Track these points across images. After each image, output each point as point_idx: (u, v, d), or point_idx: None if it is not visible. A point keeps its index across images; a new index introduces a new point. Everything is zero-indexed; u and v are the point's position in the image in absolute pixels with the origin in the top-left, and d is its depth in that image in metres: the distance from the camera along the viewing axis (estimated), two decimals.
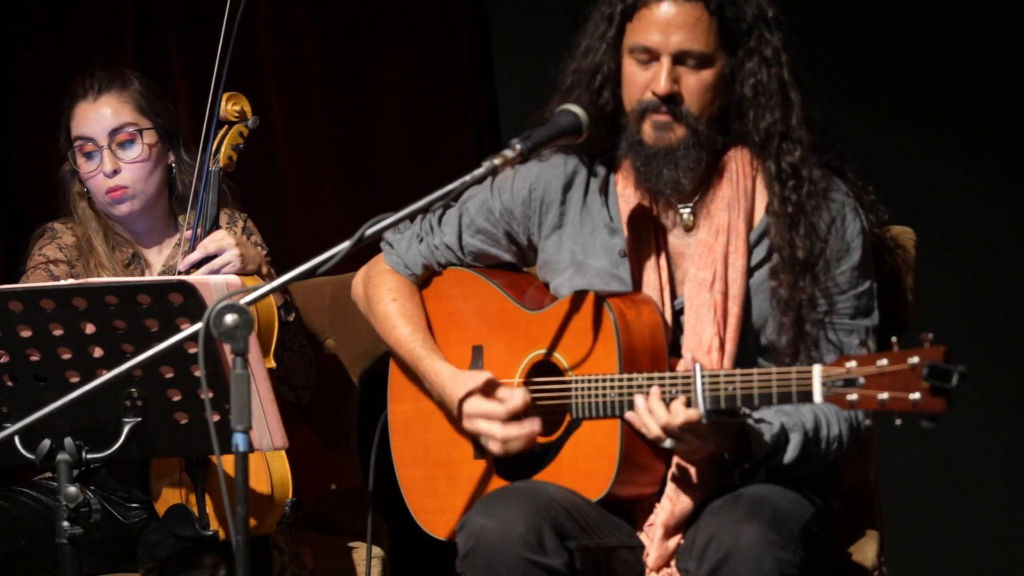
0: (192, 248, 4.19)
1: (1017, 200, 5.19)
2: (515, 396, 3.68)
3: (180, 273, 4.15)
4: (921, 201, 4.93)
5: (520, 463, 3.74)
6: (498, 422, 3.68)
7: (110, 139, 4.33)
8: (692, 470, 3.63)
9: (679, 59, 3.59)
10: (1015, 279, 5.21)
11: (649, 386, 3.53)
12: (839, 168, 3.73)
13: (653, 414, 3.49)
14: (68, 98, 4.41)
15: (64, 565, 3.37)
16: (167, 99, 4.51)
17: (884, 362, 3.24)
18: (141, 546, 4.22)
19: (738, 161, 3.70)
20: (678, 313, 3.70)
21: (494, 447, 3.70)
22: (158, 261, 4.45)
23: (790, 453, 3.59)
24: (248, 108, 4.27)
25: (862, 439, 3.71)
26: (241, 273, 4.12)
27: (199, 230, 4.22)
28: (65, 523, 3.34)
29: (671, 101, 3.61)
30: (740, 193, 3.68)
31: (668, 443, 3.51)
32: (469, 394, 3.71)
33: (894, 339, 3.26)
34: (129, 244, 4.44)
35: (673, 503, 3.63)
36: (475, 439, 3.81)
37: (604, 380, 3.61)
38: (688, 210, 3.72)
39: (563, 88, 3.78)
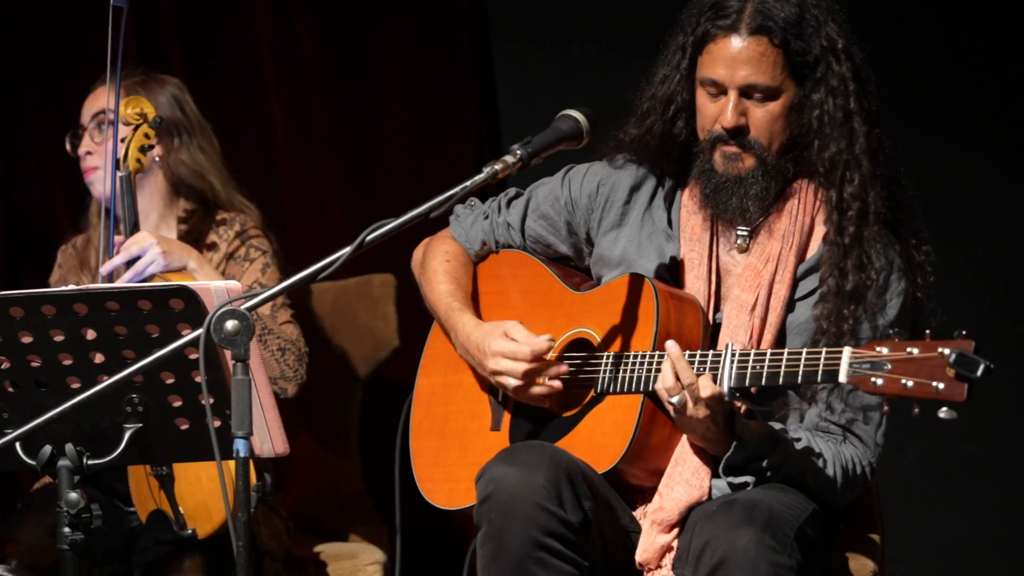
0: (113, 253, 4.23)
1: (1019, 203, 5.19)
2: (540, 339, 3.71)
3: (103, 278, 4.20)
4: (921, 204, 4.92)
5: (534, 435, 3.77)
6: (522, 361, 3.70)
7: (91, 121, 4.45)
8: (688, 467, 3.64)
9: (746, 92, 3.66)
10: (1017, 283, 5.21)
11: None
12: (895, 222, 3.75)
13: (677, 367, 3.52)
14: None
15: (65, 570, 3.37)
16: (190, 108, 4.53)
17: (915, 350, 3.26)
18: (134, 551, 4.24)
19: (802, 195, 3.74)
20: (716, 327, 3.74)
21: (513, 385, 3.72)
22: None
23: (773, 460, 3.60)
24: (149, 109, 4.32)
25: (859, 490, 3.72)
26: (168, 271, 4.17)
27: (116, 236, 4.28)
28: (66, 529, 3.34)
29: (739, 134, 3.68)
30: (797, 228, 3.72)
31: (676, 399, 3.52)
32: (495, 337, 3.74)
33: (928, 331, 3.28)
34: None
35: (663, 497, 3.64)
36: (494, 410, 3.86)
37: (635, 356, 3.65)
38: (745, 232, 3.76)
39: (639, 113, 3.83)
